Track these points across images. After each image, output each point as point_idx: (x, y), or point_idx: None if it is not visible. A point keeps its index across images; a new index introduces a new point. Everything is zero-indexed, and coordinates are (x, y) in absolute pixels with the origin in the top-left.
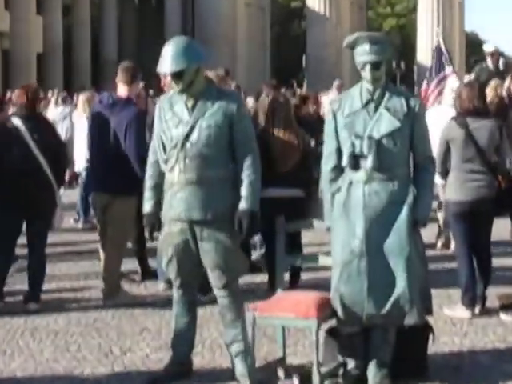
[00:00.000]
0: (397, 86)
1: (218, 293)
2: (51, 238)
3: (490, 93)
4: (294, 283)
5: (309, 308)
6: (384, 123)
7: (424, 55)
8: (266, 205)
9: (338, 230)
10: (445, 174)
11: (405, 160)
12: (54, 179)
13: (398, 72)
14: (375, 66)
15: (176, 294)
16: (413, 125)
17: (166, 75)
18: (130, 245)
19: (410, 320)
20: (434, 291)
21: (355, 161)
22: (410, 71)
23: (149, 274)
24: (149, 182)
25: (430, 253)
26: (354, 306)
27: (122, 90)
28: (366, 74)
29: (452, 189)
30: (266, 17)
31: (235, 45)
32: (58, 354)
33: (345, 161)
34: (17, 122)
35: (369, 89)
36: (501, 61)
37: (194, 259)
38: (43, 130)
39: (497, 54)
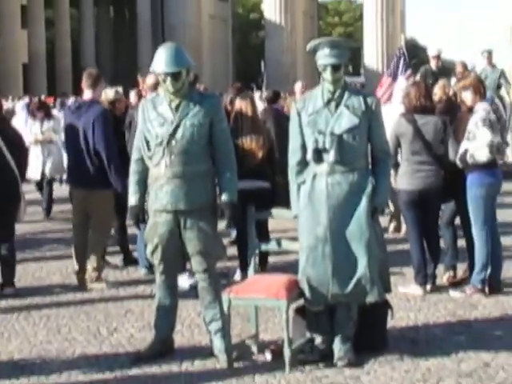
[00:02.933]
0: (355, 87)
1: (199, 276)
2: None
3: (438, 92)
4: (263, 266)
5: (279, 289)
6: (344, 120)
7: (370, 59)
8: (238, 196)
9: (304, 218)
10: (396, 165)
11: (363, 153)
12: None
13: (346, 74)
14: (335, 68)
15: (159, 278)
16: (370, 121)
17: (157, 76)
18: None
19: (371, 298)
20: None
21: (318, 155)
22: (357, 74)
23: (130, 260)
24: (133, 177)
25: (386, 236)
26: (320, 287)
27: (87, 94)
28: (327, 75)
29: (403, 179)
30: (228, 27)
31: (201, 52)
32: (51, 336)
33: (309, 155)
34: None
35: (330, 89)
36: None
37: (177, 247)
38: (7, 131)
39: (439, 57)
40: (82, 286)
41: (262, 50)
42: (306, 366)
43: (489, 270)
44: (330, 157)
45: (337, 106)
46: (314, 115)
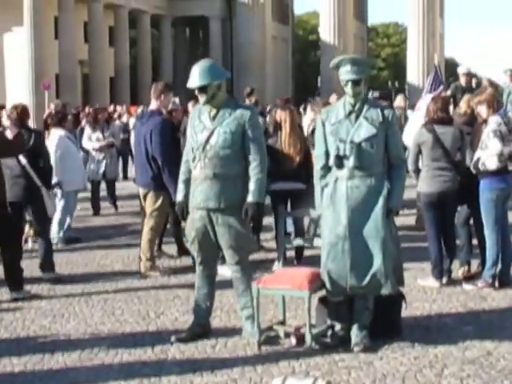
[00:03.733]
0: (374, 100)
1: (232, 268)
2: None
3: (463, 105)
4: (299, 259)
5: (302, 281)
6: (363, 130)
7: (413, 76)
8: (277, 196)
9: (326, 217)
10: (417, 171)
11: (380, 160)
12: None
13: (393, 89)
14: (355, 83)
15: (197, 269)
16: (387, 131)
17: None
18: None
19: (385, 290)
20: (410, 265)
21: (340, 161)
22: (403, 89)
23: (184, 251)
24: (181, 177)
25: (409, 234)
26: (339, 280)
27: (152, 104)
28: (348, 89)
29: (423, 183)
30: (289, 47)
31: (264, 68)
32: (105, 317)
33: (331, 161)
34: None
35: (350, 102)
36: (474, 80)
37: (212, 241)
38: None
39: (469, 75)
40: (140, 273)
41: (318, 67)
42: (325, 350)
43: (499, 267)
44: (350, 163)
45: (357, 118)
46: (337, 125)
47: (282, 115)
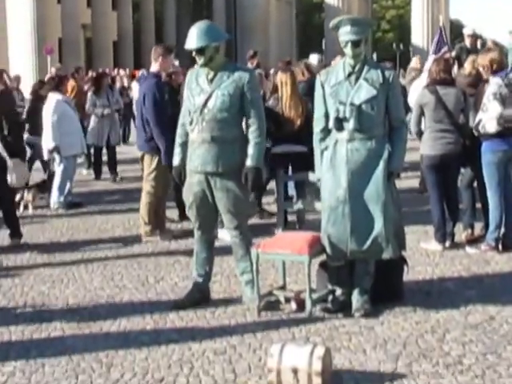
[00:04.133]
0: (374, 60)
1: (231, 232)
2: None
3: (468, 66)
4: (301, 223)
5: (302, 246)
6: (363, 92)
7: (417, 38)
8: (278, 159)
9: (326, 180)
10: (420, 133)
11: (381, 122)
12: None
13: (397, 51)
14: (355, 44)
15: (196, 234)
16: (388, 93)
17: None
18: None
19: (387, 254)
20: (413, 228)
21: (339, 123)
22: (407, 51)
23: (185, 215)
24: (178, 140)
25: (412, 196)
26: (340, 244)
27: (152, 66)
28: (348, 50)
29: (426, 145)
30: (292, 9)
31: (268, 30)
32: (104, 283)
33: (331, 123)
34: None
35: (350, 63)
36: (479, 42)
37: (210, 205)
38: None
39: (474, 36)
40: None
41: (323, 29)
42: (325, 315)
43: (502, 230)
44: (350, 125)
45: (357, 79)
46: (336, 87)
47: (282, 77)
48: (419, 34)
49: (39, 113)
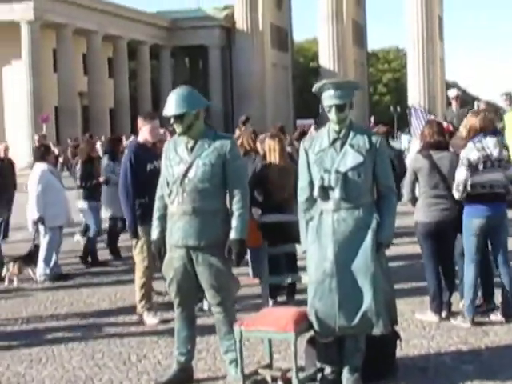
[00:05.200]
0: (360, 125)
1: (214, 309)
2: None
3: (463, 129)
4: (290, 296)
5: (287, 322)
6: (349, 158)
7: (414, 101)
8: (267, 228)
9: (312, 253)
10: (414, 200)
11: (368, 190)
12: None
13: (395, 114)
14: (340, 109)
15: (176, 311)
16: (375, 159)
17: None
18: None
19: (377, 330)
20: (408, 298)
21: (324, 192)
22: (404, 113)
23: None
24: (156, 213)
25: (409, 263)
26: (328, 319)
27: (139, 135)
28: (332, 115)
29: (420, 212)
30: (289, 74)
31: (264, 96)
32: (84, 362)
33: (316, 192)
34: None
35: (335, 129)
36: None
37: (192, 281)
38: None
39: (459, 98)
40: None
41: None
42: None
43: (499, 299)
44: (336, 194)
45: (342, 145)
46: (321, 154)
47: (270, 144)
48: (416, 97)
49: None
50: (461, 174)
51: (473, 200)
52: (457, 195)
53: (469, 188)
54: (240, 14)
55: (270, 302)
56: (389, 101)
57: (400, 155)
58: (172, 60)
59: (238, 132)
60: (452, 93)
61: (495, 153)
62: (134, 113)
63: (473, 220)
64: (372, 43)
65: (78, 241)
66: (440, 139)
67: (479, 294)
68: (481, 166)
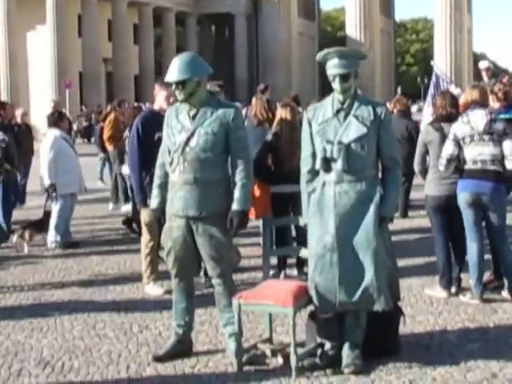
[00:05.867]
0: (365, 96)
1: (214, 281)
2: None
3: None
4: (300, 269)
5: (286, 296)
6: (352, 130)
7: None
8: (278, 199)
9: (313, 226)
10: (424, 172)
11: (372, 163)
12: None
13: (422, 85)
14: (344, 78)
15: (173, 281)
16: (379, 131)
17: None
18: None
19: (378, 306)
20: (420, 273)
21: (327, 164)
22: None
23: None
24: (156, 181)
25: (423, 236)
26: (328, 294)
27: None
28: (336, 85)
29: (430, 185)
30: (315, 44)
31: (290, 66)
32: (85, 332)
33: (318, 164)
34: None
35: (339, 99)
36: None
37: (191, 252)
38: None
39: (490, 69)
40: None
41: None
42: (313, 372)
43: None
44: (338, 166)
45: (346, 116)
46: (324, 124)
47: (282, 113)
48: (443, 68)
49: None
50: (446, 148)
51: (464, 175)
52: (440, 169)
53: (460, 163)
54: None
55: (281, 274)
56: (416, 72)
57: (418, 126)
58: (198, 28)
59: (254, 101)
60: (483, 64)
61: (480, 126)
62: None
63: (461, 194)
64: (400, 13)
65: (128, 210)
66: (452, 111)
67: (490, 270)
68: (467, 140)
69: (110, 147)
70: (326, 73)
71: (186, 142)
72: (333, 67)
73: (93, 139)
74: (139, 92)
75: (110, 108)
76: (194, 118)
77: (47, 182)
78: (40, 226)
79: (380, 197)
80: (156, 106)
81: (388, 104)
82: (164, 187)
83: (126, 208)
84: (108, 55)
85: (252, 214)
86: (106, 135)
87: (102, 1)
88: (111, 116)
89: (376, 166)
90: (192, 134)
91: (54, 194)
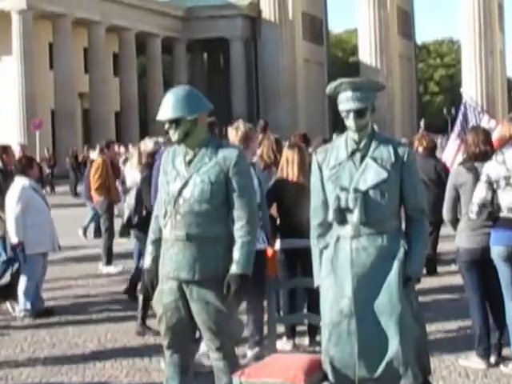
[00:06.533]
0: (385, 134)
1: (212, 355)
2: None
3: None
4: (312, 338)
5: (297, 373)
6: (370, 174)
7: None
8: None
9: (326, 288)
10: (455, 221)
11: (394, 213)
12: None
13: (449, 117)
14: (359, 114)
15: (166, 354)
16: (402, 175)
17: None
18: None
19: (406, 382)
20: (452, 341)
21: (341, 215)
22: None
23: None
24: (151, 236)
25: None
26: (345, 370)
27: None
28: (350, 122)
29: (462, 236)
30: (324, 71)
31: (295, 97)
32: None
33: (330, 215)
34: None
35: (354, 138)
36: None
37: (185, 320)
38: None
39: None
40: None
41: None
42: None
43: None
44: (355, 217)
45: (362, 158)
46: (337, 169)
47: (288, 155)
48: (473, 95)
49: None
50: (478, 192)
51: (498, 225)
52: (471, 216)
53: (494, 209)
54: (267, 1)
55: (289, 343)
56: (442, 101)
57: (448, 167)
58: (188, 55)
59: (260, 139)
60: None
61: None
62: (144, 116)
63: (495, 247)
64: (422, 35)
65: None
66: (487, 149)
67: None
68: (502, 183)
69: (98, 198)
70: (337, 107)
71: (180, 192)
72: (346, 101)
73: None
74: (121, 131)
75: (99, 149)
76: (189, 163)
77: (14, 240)
78: (6, 291)
79: (404, 252)
80: None
81: (405, 140)
82: (159, 243)
83: (108, 270)
84: (84, 89)
85: None
86: (94, 184)
87: (76, 26)
88: (99, 160)
89: (399, 217)
90: (186, 183)
91: (22, 254)
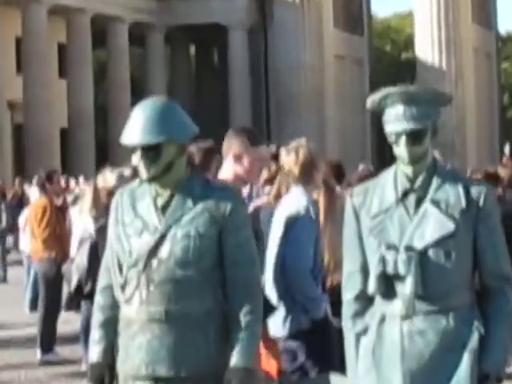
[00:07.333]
0: (452, 166)
1: None
2: None
3: None
4: None
5: None
6: (430, 226)
7: None
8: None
9: None
10: None
11: (465, 281)
12: None
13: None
14: (415, 139)
15: None
16: (477, 227)
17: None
18: None
19: None
20: None
21: (387, 285)
22: None
23: None
24: (97, 317)
25: None
26: None
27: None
28: (402, 150)
29: None
30: (365, 71)
31: (323, 107)
32: None
33: (372, 285)
34: None
35: (407, 173)
36: None
37: None
38: None
39: None
40: None
41: None
42: None
43: None
44: (407, 288)
45: (419, 202)
46: (382, 217)
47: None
48: None
49: None
50: None
51: None
52: None
53: None
54: None
55: None
56: None
57: None
58: (167, 48)
59: (265, 174)
60: None
61: None
62: (103, 135)
63: None
64: (506, 22)
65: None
66: None
67: None
68: None
69: (43, 254)
70: (383, 125)
71: (152, 252)
72: (395, 120)
73: None
74: (69, 157)
75: (40, 184)
76: (164, 209)
77: None
78: None
79: (479, 339)
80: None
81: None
82: (112, 327)
83: (47, 358)
84: (16, 97)
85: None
86: (40, 235)
87: (5, 8)
88: (43, 201)
89: (471, 287)
90: (162, 238)
91: None
